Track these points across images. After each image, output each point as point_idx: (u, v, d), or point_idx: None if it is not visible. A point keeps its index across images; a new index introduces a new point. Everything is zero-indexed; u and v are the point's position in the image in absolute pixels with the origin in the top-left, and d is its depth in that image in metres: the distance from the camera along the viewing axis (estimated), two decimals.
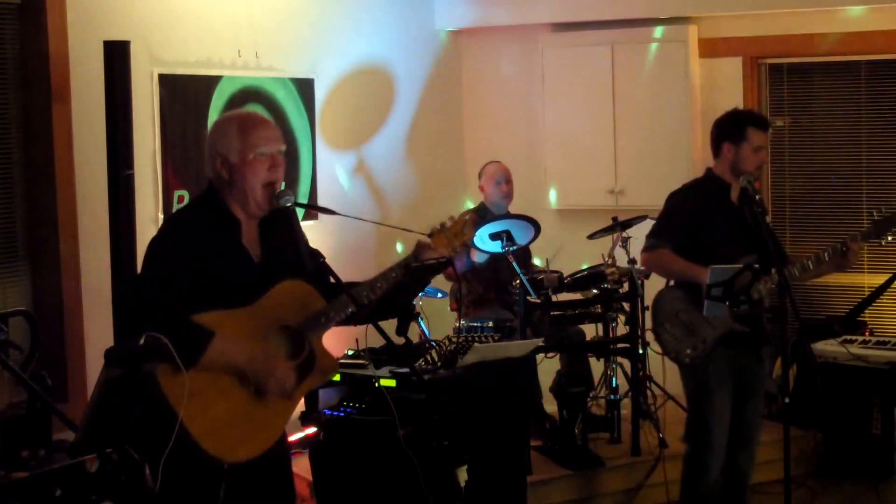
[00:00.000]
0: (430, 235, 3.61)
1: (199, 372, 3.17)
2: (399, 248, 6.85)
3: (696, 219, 4.78)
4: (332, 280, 3.46)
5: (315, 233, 5.75)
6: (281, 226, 3.48)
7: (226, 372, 3.24)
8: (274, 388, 3.31)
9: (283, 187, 3.47)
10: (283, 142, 3.45)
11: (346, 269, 3.79)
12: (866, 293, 6.51)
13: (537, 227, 6.08)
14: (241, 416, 3.27)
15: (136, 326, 3.19)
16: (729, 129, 4.80)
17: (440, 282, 6.32)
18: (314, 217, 6.23)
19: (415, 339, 5.63)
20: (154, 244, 3.37)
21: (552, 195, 7.20)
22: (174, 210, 5.48)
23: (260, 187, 3.35)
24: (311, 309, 3.41)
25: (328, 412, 4.55)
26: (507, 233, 5.85)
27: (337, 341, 4.65)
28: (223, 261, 3.33)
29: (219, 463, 3.22)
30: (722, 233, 4.78)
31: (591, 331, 6.36)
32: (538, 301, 5.74)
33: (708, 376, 4.77)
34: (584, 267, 6.15)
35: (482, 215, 6.32)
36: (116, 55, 4.68)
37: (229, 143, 3.37)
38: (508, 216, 6.23)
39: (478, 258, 6.09)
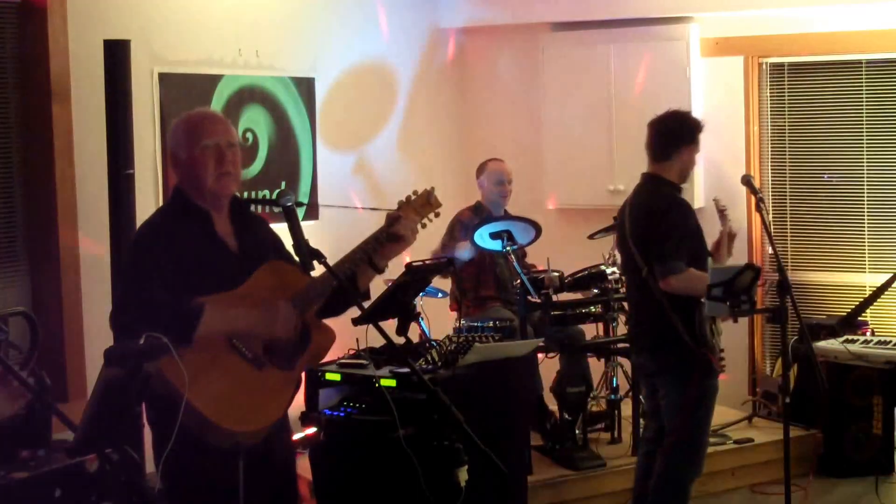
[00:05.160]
0: (397, 208, 3.65)
1: (200, 350, 3.17)
2: None
3: (694, 232, 4.79)
4: (335, 280, 3.45)
5: (315, 232, 5.75)
6: (254, 221, 3.54)
7: (227, 342, 3.24)
8: (282, 329, 3.33)
9: (283, 186, 3.48)
10: (233, 135, 3.49)
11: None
12: (867, 293, 6.51)
13: (538, 229, 6.08)
14: (248, 389, 3.28)
15: (131, 328, 3.20)
16: (687, 132, 4.83)
17: (440, 282, 6.32)
18: (314, 217, 6.23)
19: (415, 339, 5.63)
20: (132, 251, 3.40)
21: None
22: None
23: (211, 179, 3.38)
24: (295, 286, 3.42)
25: (328, 412, 4.55)
26: (508, 232, 5.85)
27: (337, 341, 4.64)
28: (201, 252, 3.36)
29: (233, 438, 3.21)
30: (700, 236, 4.83)
31: (591, 331, 6.36)
32: (538, 301, 5.74)
33: (716, 382, 4.81)
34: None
35: (479, 214, 6.32)
36: (116, 55, 4.68)
37: (178, 141, 3.44)
38: (509, 217, 6.23)
39: (461, 254, 6.06)
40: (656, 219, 4.74)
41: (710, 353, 4.68)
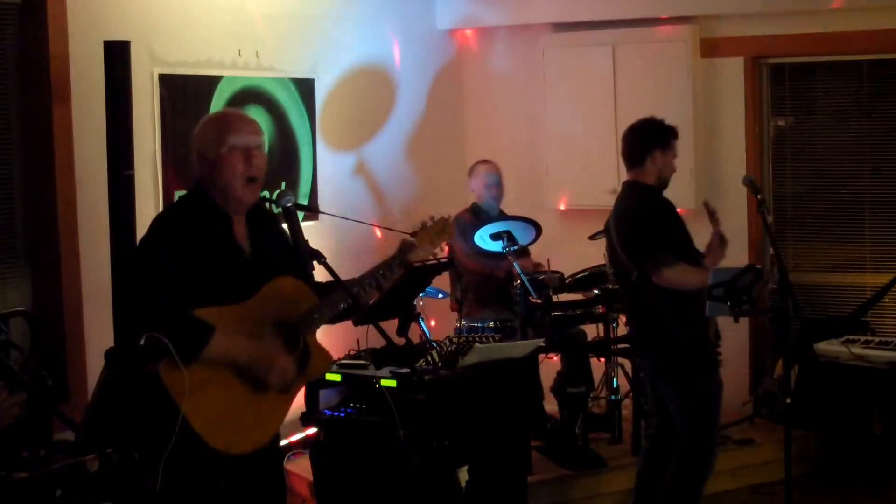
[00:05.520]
0: (413, 234, 3.65)
1: (199, 366, 3.17)
2: None
3: (677, 231, 4.85)
4: (333, 280, 3.46)
5: (315, 233, 5.74)
6: (265, 220, 3.51)
7: (225, 367, 3.25)
8: (275, 383, 3.33)
9: (283, 187, 3.48)
10: (262, 135, 3.48)
11: (346, 269, 3.78)
12: (869, 294, 6.51)
13: (538, 229, 6.07)
14: (242, 409, 3.29)
15: (137, 328, 3.20)
16: (658, 137, 4.90)
17: (440, 282, 6.31)
18: (314, 217, 6.22)
19: (416, 339, 5.62)
20: (145, 244, 3.38)
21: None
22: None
23: (239, 182, 3.36)
24: (303, 305, 3.43)
25: (328, 412, 4.55)
26: (508, 233, 5.85)
27: (338, 342, 4.64)
28: (216, 256, 3.34)
29: (219, 455, 3.22)
30: (685, 235, 4.89)
31: (591, 331, 6.36)
32: (539, 301, 5.73)
33: (718, 379, 4.82)
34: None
35: (477, 215, 6.33)
36: (116, 55, 4.67)
37: (207, 140, 3.42)
38: (509, 217, 6.22)
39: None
40: (639, 220, 4.84)
41: (707, 350, 4.70)
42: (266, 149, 3.51)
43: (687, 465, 4.86)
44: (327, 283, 3.53)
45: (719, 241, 4.93)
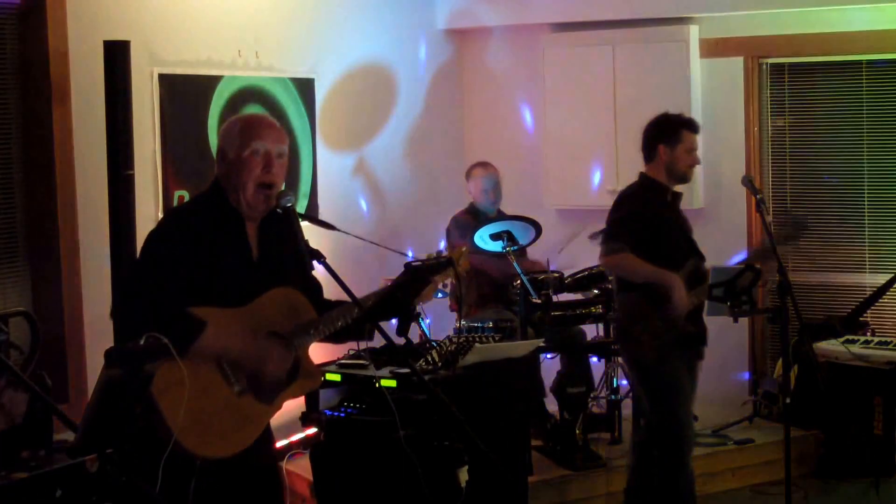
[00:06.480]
0: (423, 261, 3.64)
1: (185, 363, 3.13)
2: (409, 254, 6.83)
3: (651, 223, 4.83)
4: (335, 280, 3.45)
5: (314, 234, 5.73)
6: (279, 227, 3.48)
7: (215, 362, 3.22)
8: (271, 373, 3.30)
9: (283, 187, 3.47)
10: (285, 143, 3.46)
11: (345, 270, 3.77)
12: (867, 293, 6.51)
13: (538, 228, 6.08)
14: (220, 414, 3.23)
15: (128, 314, 3.19)
16: (664, 131, 4.89)
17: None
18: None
19: (416, 339, 5.62)
20: (154, 235, 3.36)
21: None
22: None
23: (253, 187, 3.35)
24: (301, 318, 3.41)
25: (328, 412, 4.55)
26: (508, 233, 5.85)
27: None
28: (223, 256, 3.32)
29: (189, 456, 3.17)
30: (670, 235, 4.88)
31: (591, 331, 6.36)
32: (539, 301, 5.74)
33: (669, 375, 4.81)
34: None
35: (474, 216, 6.32)
36: (116, 55, 4.67)
37: (230, 139, 3.40)
38: (509, 217, 6.22)
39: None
40: (614, 206, 4.93)
41: (640, 334, 4.70)
42: (286, 158, 3.49)
43: (662, 455, 4.86)
44: (336, 301, 3.51)
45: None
